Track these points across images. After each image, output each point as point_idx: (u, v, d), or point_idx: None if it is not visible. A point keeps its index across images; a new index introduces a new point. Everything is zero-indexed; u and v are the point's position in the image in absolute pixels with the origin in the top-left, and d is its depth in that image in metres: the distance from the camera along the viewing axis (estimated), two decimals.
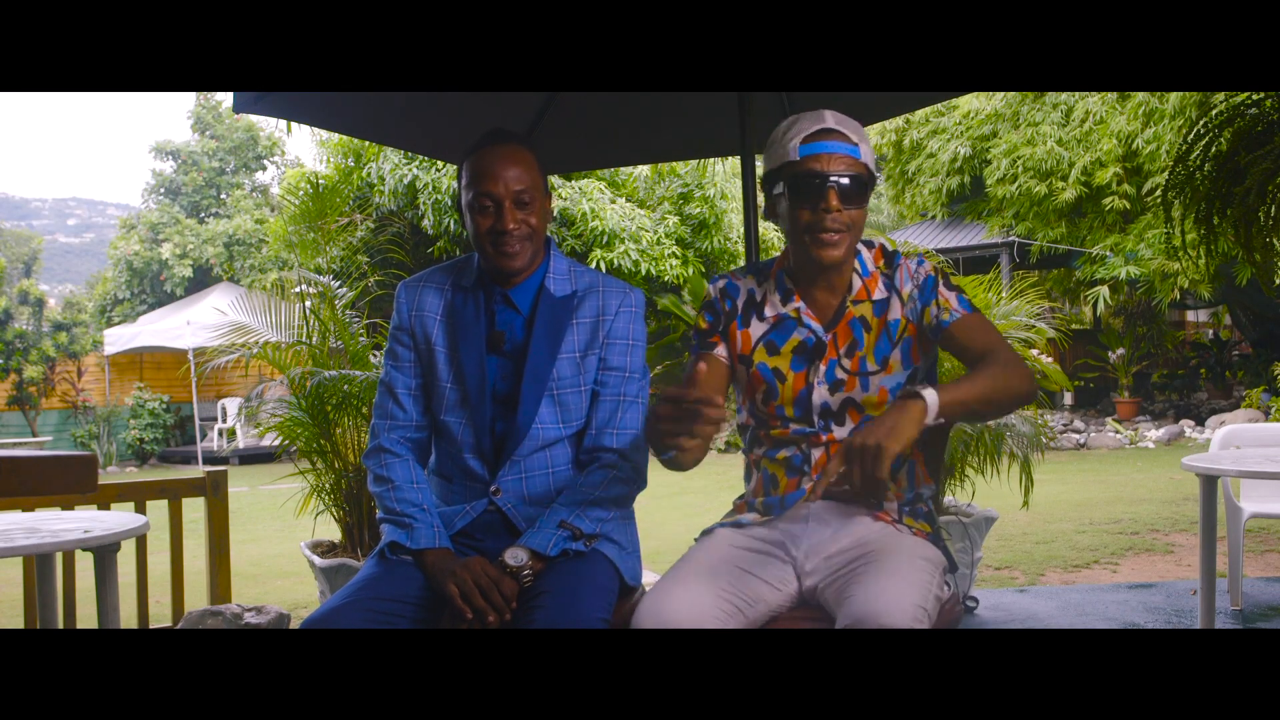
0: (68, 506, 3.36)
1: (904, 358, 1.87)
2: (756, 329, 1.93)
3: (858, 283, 1.89)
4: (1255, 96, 3.31)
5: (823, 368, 1.87)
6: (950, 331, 1.85)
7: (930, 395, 1.64)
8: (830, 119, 1.82)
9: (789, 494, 1.88)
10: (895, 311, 1.88)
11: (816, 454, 1.88)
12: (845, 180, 1.78)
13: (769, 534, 1.87)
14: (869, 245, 1.93)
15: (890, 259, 1.91)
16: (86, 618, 3.16)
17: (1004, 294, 4.92)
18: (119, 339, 15.40)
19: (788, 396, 1.89)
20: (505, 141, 1.94)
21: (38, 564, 2.94)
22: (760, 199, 2.12)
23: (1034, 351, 4.54)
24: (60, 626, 3.14)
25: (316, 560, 3.85)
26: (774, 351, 1.91)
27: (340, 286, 4.61)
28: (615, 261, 12.20)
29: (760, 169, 2.12)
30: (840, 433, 1.87)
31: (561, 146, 3.49)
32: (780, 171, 1.84)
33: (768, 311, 1.93)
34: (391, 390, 2.03)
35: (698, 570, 1.76)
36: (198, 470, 8.02)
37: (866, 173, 1.82)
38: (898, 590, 1.60)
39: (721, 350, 1.96)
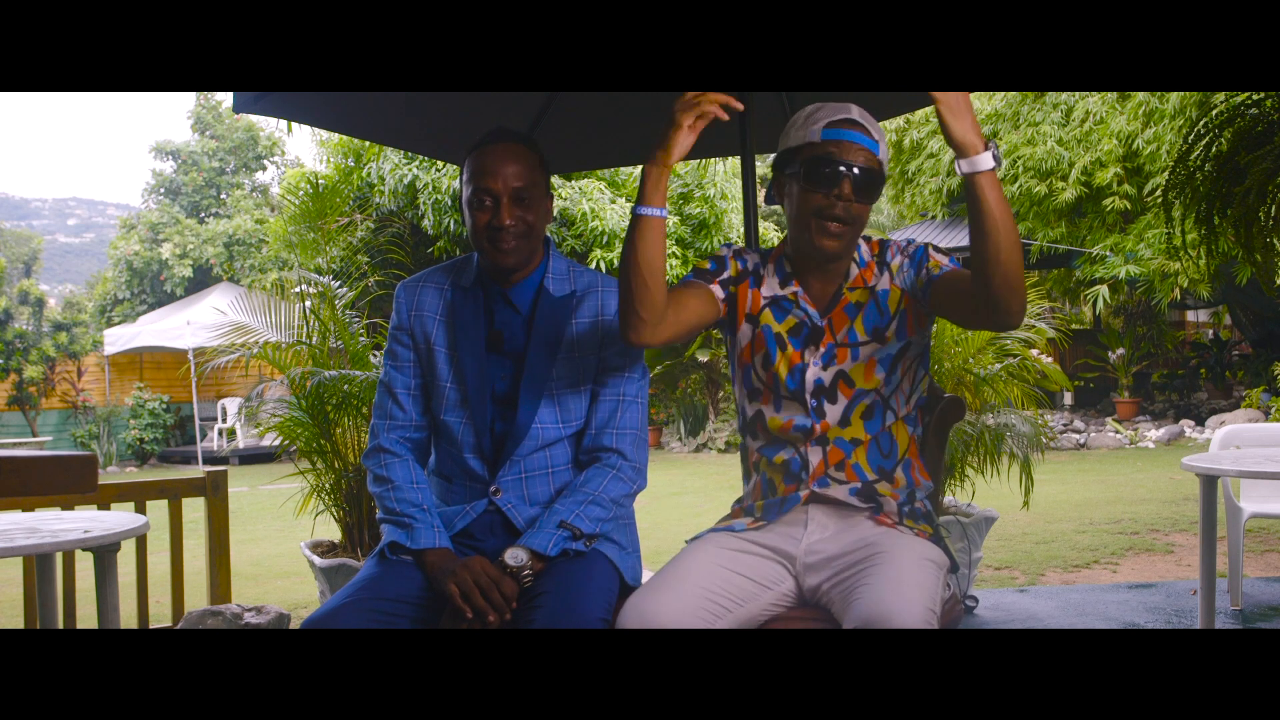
0: (68, 506, 3.36)
1: (899, 329, 1.88)
2: (764, 298, 1.94)
3: (855, 271, 1.90)
4: (1255, 96, 3.31)
5: (820, 350, 1.89)
6: (940, 282, 1.84)
7: (990, 152, 1.60)
8: (855, 112, 1.84)
9: (788, 496, 1.89)
10: (885, 282, 1.89)
11: (815, 459, 1.88)
12: (861, 172, 1.79)
13: (762, 537, 1.87)
14: (866, 239, 1.95)
15: (883, 246, 1.94)
16: (86, 618, 3.16)
17: None
18: (119, 339, 15.39)
19: (784, 365, 1.90)
20: (507, 139, 1.95)
21: (38, 564, 2.94)
22: (754, 192, 2.11)
23: (1034, 351, 4.54)
24: (60, 626, 3.14)
25: (316, 560, 3.85)
26: (780, 318, 1.92)
27: (340, 286, 4.61)
28: (615, 261, 12.20)
29: (755, 161, 2.12)
30: (833, 411, 1.87)
31: (561, 146, 3.48)
32: (799, 151, 1.83)
33: (765, 291, 1.94)
34: (391, 390, 2.03)
35: (682, 572, 1.76)
36: (198, 470, 8.02)
37: (880, 170, 1.83)
38: (908, 592, 1.61)
39: (716, 290, 1.93)
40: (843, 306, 1.89)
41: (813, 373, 1.88)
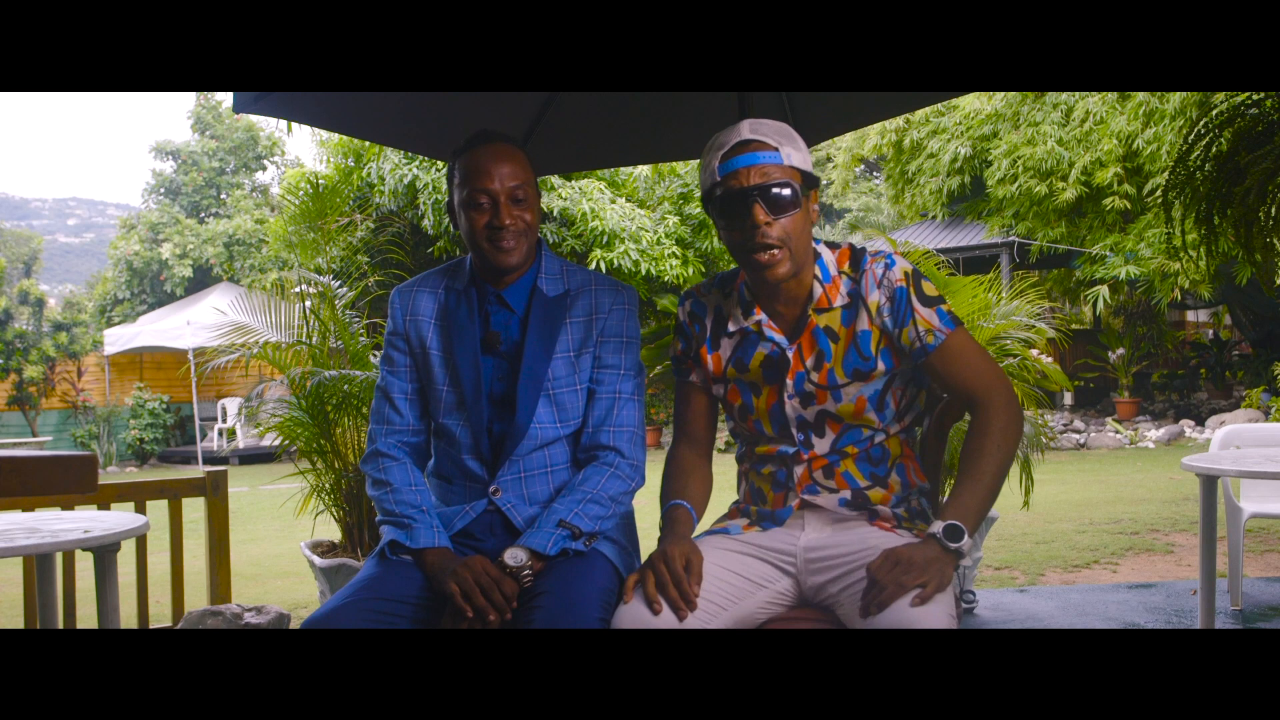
0: (68, 506, 3.36)
1: (885, 361, 1.83)
2: (725, 348, 1.92)
3: (818, 290, 1.82)
4: (1255, 96, 3.31)
5: (789, 381, 1.84)
6: (933, 361, 1.80)
7: (964, 543, 1.65)
8: (746, 129, 1.77)
9: (778, 510, 1.89)
10: (864, 322, 1.81)
11: (799, 470, 1.87)
12: (769, 190, 1.73)
13: (759, 538, 1.88)
14: (834, 246, 1.88)
15: (856, 261, 1.84)
16: (86, 618, 3.16)
17: (1004, 294, 4.91)
18: (119, 339, 15.40)
19: (762, 410, 1.88)
20: (497, 140, 1.95)
21: (38, 564, 2.94)
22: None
23: (1034, 352, 4.54)
24: (60, 626, 3.14)
25: (316, 560, 3.85)
26: (743, 369, 1.89)
27: (340, 286, 4.61)
28: (615, 261, 12.20)
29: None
30: (821, 445, 1.85)
31: (561, 146, 3.48)
32: (709, 194, 1.80)
33: (731, 326, 1.90)
34: (388, 395, 2.03)
35: None
36: (198, 470, 8.02)
37: (797, 176, 1.75)
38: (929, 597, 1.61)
39: (696, 376, 1.97)
40: (810, 331, 1.83)
41: (790, 408, 1.84)
